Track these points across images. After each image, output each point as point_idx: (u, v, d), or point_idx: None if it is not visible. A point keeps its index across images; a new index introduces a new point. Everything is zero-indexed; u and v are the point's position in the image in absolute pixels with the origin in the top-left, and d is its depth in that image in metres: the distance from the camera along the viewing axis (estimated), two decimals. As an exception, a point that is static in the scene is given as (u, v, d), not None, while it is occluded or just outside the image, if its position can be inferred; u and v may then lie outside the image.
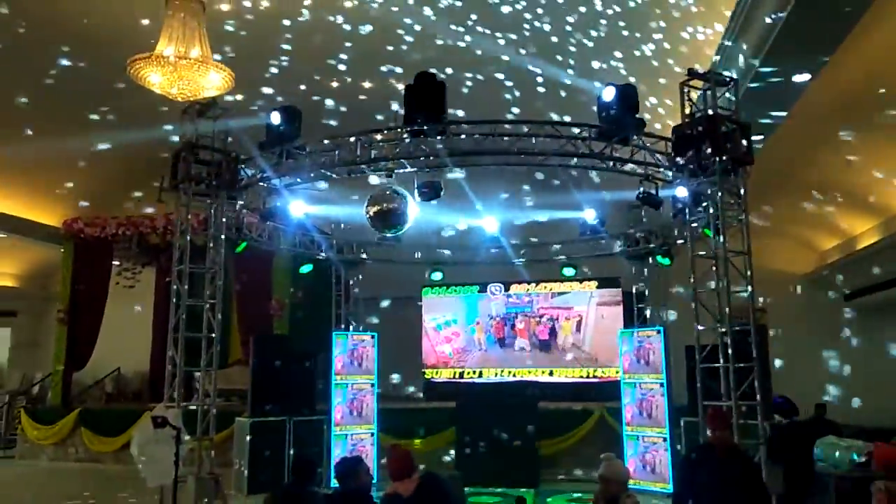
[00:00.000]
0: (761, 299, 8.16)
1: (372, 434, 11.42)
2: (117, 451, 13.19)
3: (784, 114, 9.35)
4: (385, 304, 14.85)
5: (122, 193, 14.84)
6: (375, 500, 5.26)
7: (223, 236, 9.09)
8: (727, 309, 7.65)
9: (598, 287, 13.57)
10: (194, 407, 8.74)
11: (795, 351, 13.55)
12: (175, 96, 9.51)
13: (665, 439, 10.46)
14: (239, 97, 10.86)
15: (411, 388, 14.50)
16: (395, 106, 8.64)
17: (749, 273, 7.70)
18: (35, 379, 17.18)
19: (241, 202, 9.61)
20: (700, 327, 8.02)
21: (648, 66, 10.60)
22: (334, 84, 12.01)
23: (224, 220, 9.11)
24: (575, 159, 8.35)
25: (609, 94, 7.93)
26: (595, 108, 8.27)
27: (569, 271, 12.48)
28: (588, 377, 13.36)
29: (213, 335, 8.73)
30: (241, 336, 14.34)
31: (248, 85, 10.98)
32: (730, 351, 7.51)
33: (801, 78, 8.29)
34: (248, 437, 10.60)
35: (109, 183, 14.91)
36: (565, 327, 13.70)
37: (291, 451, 10.69)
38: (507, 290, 13.98)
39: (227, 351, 14.01)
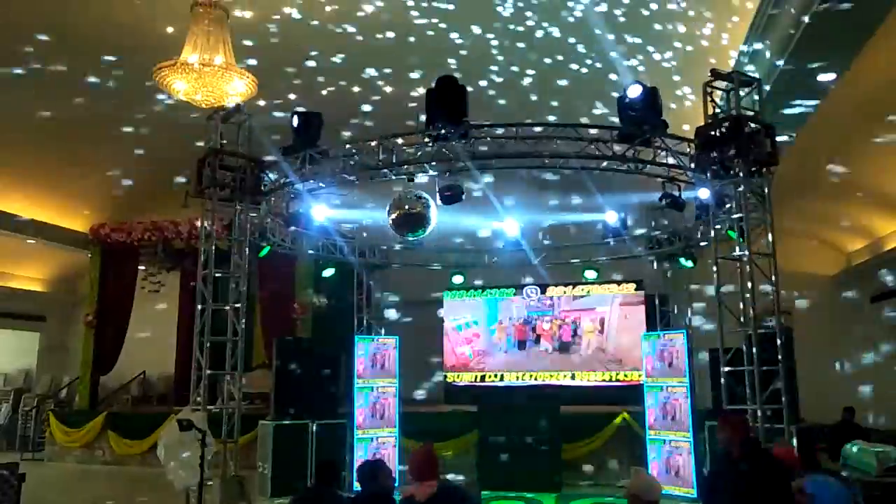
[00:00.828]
0: (786, 301, 8.02)
1: (394, 437, 11.45)
2: (144, 454, 13.35)
3: (809, 113, 9.24)
4: (407, 307, 14.89)
5: (149, 199, 15.05)
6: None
7: (247, 241, 9.18)
8: (752, 311, 7.58)
9: (620, 290, 13.53)
10: (219, 410, 8.83)
11: (822, 353, 13.37)
12: (199, 103, 9.62)
13: (689, 443, 10.36)
14: (262, 103, 10.97)
15: (433, 392, 14.51)
16: (416, 110, 8.69)
17: (774, 275, 7.62)
18: (63, 382, 17.43)
19: (265, 207, 9.71)
20: (724, 330, 7.94)
21: (670, 66, 10.55)
22: (356, 89, 12.10)
23: (248, 224, 9.21)
24: (597, 162, 8.32)
25: (635, 91, 7.88)
26: (616, 111, 8.25)
27: (591, 274, 12.44)
28: (610, 381, 13.29)
29: (238, 339, 8.82)
30: (265, 339, 14.46)
31: (272, 91, 11.09)
32: (755, 354, 7.43)
33: (827, 77, 8.18)
34: (271, 441, 10.67)
35: (136, 189, 15.14)
36: (588, 329, 13.66)
37: (314, 454, 10.75)
38: (543, 292, 13.97)
39: (251, 354, 14.12)
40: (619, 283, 13.58)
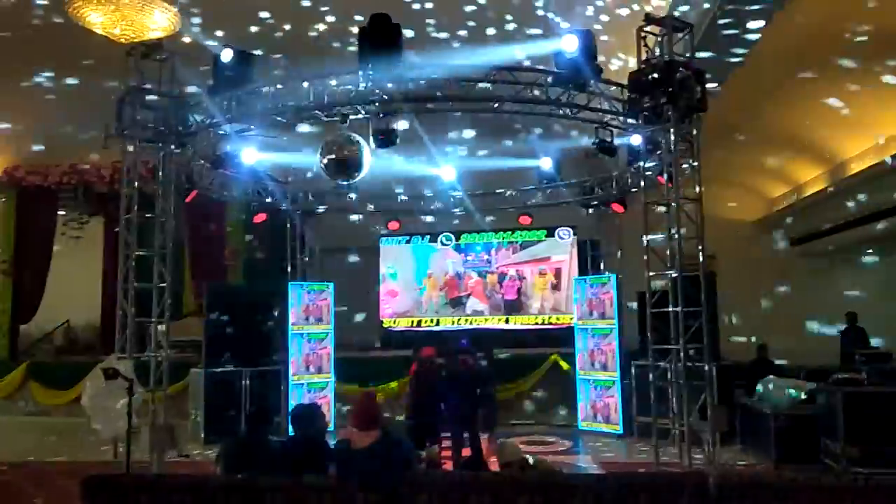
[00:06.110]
0: (711, 246, 8.27)
1: (329, 383, 11.46)
2: (69, 404, 12.99)
3: (738, 60, 9.40)
4: (341, 253, 14.75)
5: (70, 141, 14.27)
6: (330, 447, 5.28)
7: (172, 184, 8.83)
8: (678, 255, 7.79)
9: (551, 236, 13.61)
10: (147, 358, 8.60)
11: (743, 295, 13.94)
12: (118, 37, 9.06)
13: (616, 383, 10.73)
14: (187, 39, 10.43)
15: (368, 338, 14.52)
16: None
17: (700, 220, 7.81)
18: (-21, 333, 16.71)
19: (191, 149, 9.32)
20: (651, 273, 8.16)
21: (605, 11, 10.50)
22: (287, 27, 11.63)
23: (173, 167, 8.84)
24: (532, 105, 8.28)
25: (571, 44, 7.79)
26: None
27: (525, 220, 12.53)
28: (542, 324, 13.55)
29: (164, 285, 8.56)
30: (195, 287, 14.14)
31: (197, 26, 10.56)
32: (679, 296, 7.67)
33: (756, 24, 8.33)
34: (203, 388, 10.55)
35: (54, 129, 14.32)
36: (539, 285, 13.66)
37: (247, 402, 10.68)
38: (457, 239, 13.91)
39: (181, 302, 13.81)
40: (553, 228, 13.72)
